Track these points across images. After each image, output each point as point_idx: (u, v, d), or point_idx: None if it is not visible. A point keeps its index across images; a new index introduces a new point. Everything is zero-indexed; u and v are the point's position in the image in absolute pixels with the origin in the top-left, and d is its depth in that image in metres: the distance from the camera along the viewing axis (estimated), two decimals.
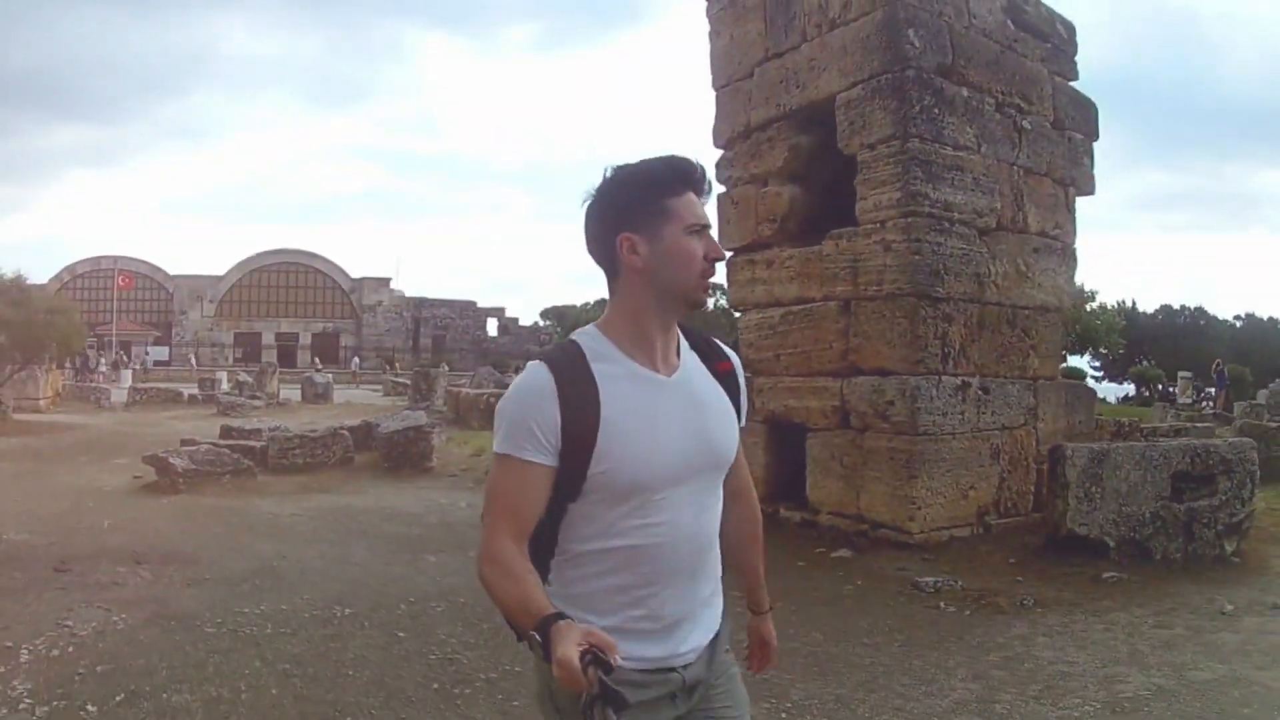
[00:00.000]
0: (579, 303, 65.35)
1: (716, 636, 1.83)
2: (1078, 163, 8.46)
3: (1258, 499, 7.20)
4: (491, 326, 65.97)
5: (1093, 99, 8.81)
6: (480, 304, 66.70)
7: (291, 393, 28.38)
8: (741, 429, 1.87)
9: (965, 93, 7.33)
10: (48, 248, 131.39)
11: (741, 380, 1.90)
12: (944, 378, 6.83)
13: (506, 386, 14.99)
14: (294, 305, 63.88)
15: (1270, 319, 70.69)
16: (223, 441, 11.95)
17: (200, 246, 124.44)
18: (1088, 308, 41.60)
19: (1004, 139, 7.61)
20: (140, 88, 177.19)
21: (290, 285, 64.19)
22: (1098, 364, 60.67)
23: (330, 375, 33.60)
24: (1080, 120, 8.57)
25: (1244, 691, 4.04)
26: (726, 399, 1.83)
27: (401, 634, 4.89)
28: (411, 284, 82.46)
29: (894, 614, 5.35)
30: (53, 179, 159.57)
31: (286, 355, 57.92)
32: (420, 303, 64.61)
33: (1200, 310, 73.36)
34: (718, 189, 8.93)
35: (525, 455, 1.66)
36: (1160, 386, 49.51)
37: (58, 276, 61.67)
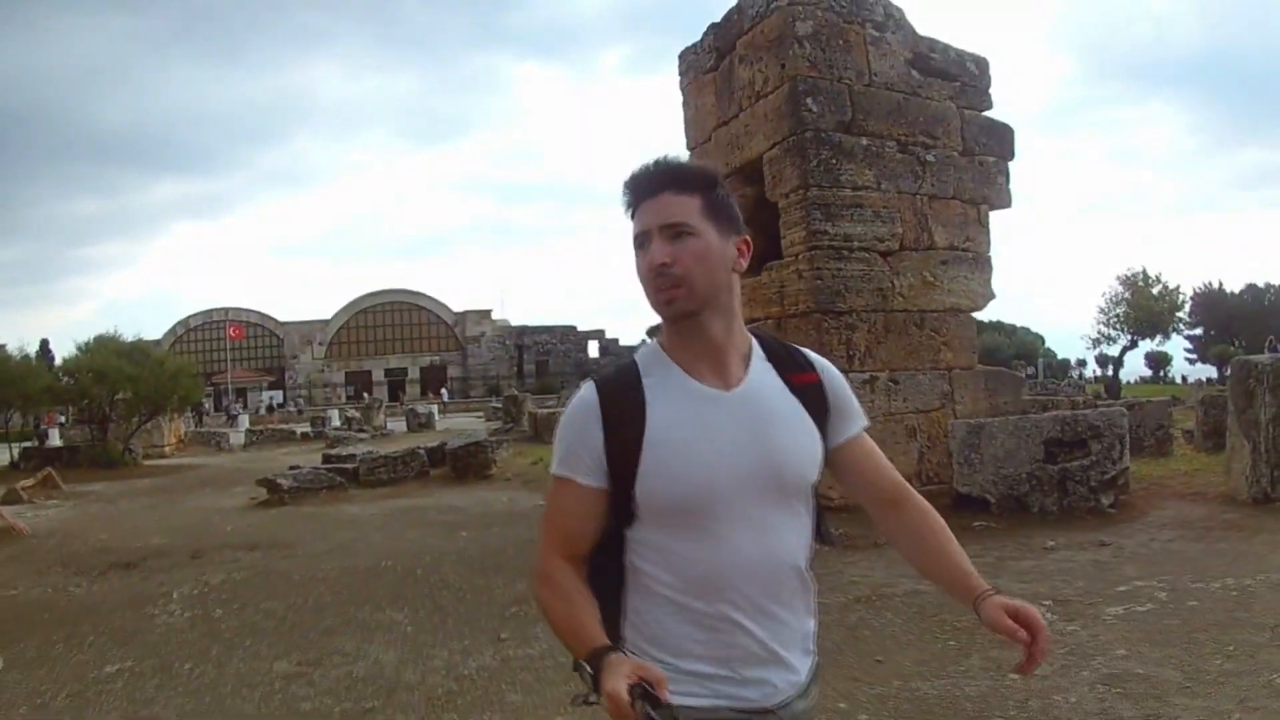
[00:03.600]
0: None
1: (809, 681, 1.73)
2: (990, 183, 10.03)
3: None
4: (593, 349, 68.94)
5: (1008, 123, 10.31)
6: (581, 328, 69.80)
7: (397, 424, 30.98)
8: (854, 436, 1.80)
9: (865, 141, 9.03)
10: (161, 300, 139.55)
11: (834, 391, 1.78)
12: (851, 374, 8.50)
13: None
14: (401, 342, 67.71)
15: None
16: (322, 466, 14.30)
17: (310, 288, 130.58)
18: (1153, 292, 41.78)
19: (906, 174, 9.27)
20: (239, 137, 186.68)
21: (396, 324, 68.07)
22: (1190, 346, 59.63)
23: (435, 405, 36.14)
24: (993, 145, 10.13)
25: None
26: (803, 413, 1.71)
27: (419, 572, 7.34)
28: (518, 312, 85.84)
29: None
30: (160, 233, 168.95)
31: (396, 390, 61.21)
32: (522, 331, 68.08)
33: None
34: None
35: (572, 476, 1.67)
36: None
37: (172, 330, 66.36)
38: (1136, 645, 4.72)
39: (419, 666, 4.99)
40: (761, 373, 1.72)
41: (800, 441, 1.69)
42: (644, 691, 1.37)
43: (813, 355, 1.84)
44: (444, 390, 59.04)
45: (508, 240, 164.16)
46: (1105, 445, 8.26)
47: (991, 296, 9.96)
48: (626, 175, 1.70)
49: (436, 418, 31.95)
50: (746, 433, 1.64)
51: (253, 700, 4.61)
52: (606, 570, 1.71)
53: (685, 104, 11.05)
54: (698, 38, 10.76)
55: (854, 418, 1.82)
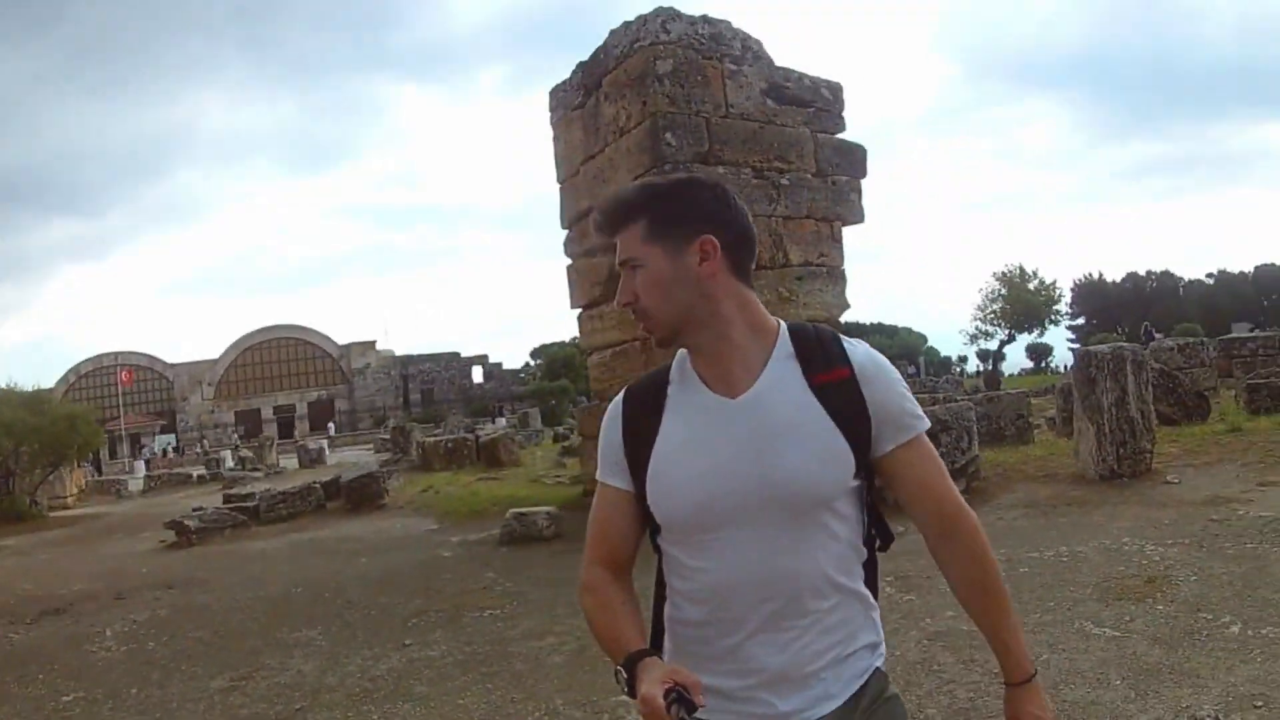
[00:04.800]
0: (566, 338, 68.30)
1: (862, 689, 1.64)
2: (843, 200, 10.83)
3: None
4: (477, 374, 69.45)
5: (861, 144, 11.10)
6: (464, 354, 70.32)
7: (290, 461, 30.92)
8: (895, 449, 1.62)
9: (721, 170, 9.70)
10: (52, 346, 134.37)
11: (871, 389, 1.60)
12: None
13: (473, 433, 18.06)
14: (288, 378, 67.18)
15: (1240, 273, 71.92)
16: (224, 506, 14.54)
17: (198, 327, 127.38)
18: (1029, 286, 43.90)
19: (761, 198, 9.98)
20: (124, 173, 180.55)
21: (282, 359, 67.58)
22: (1073, 336, 62.43)
23: (324, 441, 35.99)
24: (845, 165, 10.92)
25: None
26: (824, 417, 1.57)
27: (327, 595, 7.81)
28: (402, 341, 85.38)
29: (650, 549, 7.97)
30: (50, 276, 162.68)
31: (286, 427, 60.54)
32: (406, 360, 68.50)
33: (1167, 273, 74.93)
34: (566, 261, 11.40)
35: (603, 477, 1.70)
36: None
37: (64, 378, 64.23)
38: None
39: (337, 672, 5.59)
40: (778, 375, 1.61)
41: (812, 450, 1.56)
42: (679, 695, 1.37)
43: (856, 346, 1.67)
44: (330, 425, 58.59)
45: (390, 267, 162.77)
46: (954, 437, 9.06)
47: (847, 306, 10.74)
48: (596, 208, 1.70)
49: (327, 452, 31.89)
50: (747, 445, 1.57)
51: (197, 712, 5.18)
52: (658, 582, 1.74)
53: (555, 139, 11.64)
54: (567, 75, 11.38)
55: (897, 426, 1.63)
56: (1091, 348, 9.84)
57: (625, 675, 1.50)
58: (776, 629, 1.59)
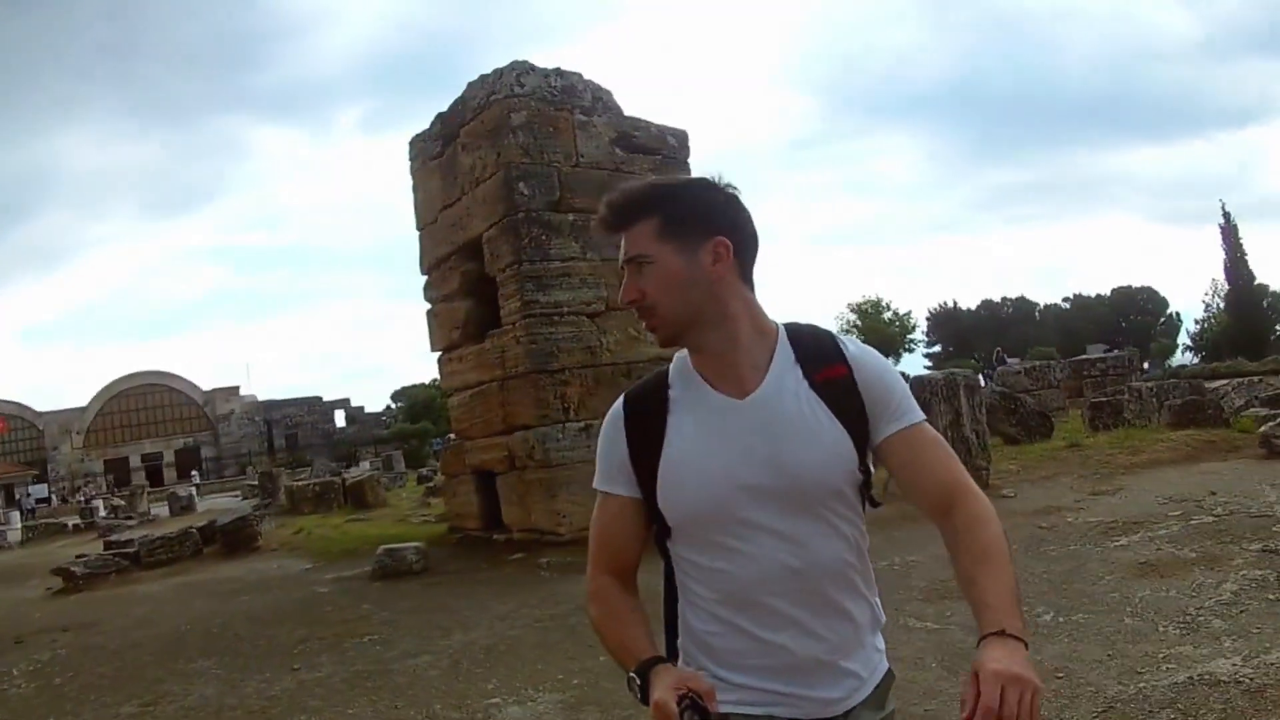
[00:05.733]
0: (426, 380, 68.37)
1: (879, 688, 1.68)
2: None
3: None
4: (339, 418, 69.29)
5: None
6: (326, 397, 70.34)
7: (161, 509, 30.45)
8: (894, 434, 1.65)
9: (572, 218, 10.22)
10: None
11: (867, 384, 1.65)
12: (567, 425, 9.69)
13: (340, 476, 18.30)
14: (155, 425, 66.25)
15: (1097, 295, 73.90)
16: (107, 552, 14.55)
17: (66, 374, 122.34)
18: (884, 318, 45.92)
19: (610, 243, 10.45)
20: None
21: (148, 406, 66.62)
22: (930, 363, 64.77)
23: (193, 488, 35.37)
24: None
25: None
26: (824, 414, 1.62)
27: (215, 630, 8.07)
28: (266, 384, 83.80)
29: (514, 579, 8.61)
30: None
31: (154, 475, 59.05)
32: (270, 405, 68.37)
33: (1022, 299, 77.96)
34: (425, 306, 11.81)
35: (606, 487, 1.71)
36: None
37: None
38: None
39: (236, 694, 5.98)
40: (782, 374, 1.65)
41: (818, 447, 1.60)
42: (692, 702, 1.37)
43: (849, 343, 1.73)
44: (193, 473, 57.49)
45: (251, 310, 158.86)
46: None
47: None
48: (603, 202, 1.69)
49: (197, 499, 31.41)
50: (759, 443, 1.59)
51: None
52: (667, 584, 1.75)
53: (415, 187, 12.08)
54: (427, 125, 11.82)
55: (895, 413, 1.68)
56: (924, 374, 10.63)
57: (639, 683, 1.50)
58: (799, 623, 1.61)
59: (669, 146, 11.46)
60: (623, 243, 1.66)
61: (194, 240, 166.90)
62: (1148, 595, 5.54)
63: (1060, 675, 4.32)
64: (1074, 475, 10.26)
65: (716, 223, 1.62)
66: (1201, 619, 4.99)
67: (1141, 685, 4.15)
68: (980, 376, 36.56)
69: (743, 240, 1.65)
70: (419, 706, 5.23)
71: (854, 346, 1.71)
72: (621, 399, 1.75)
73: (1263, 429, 10.51)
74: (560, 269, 10.06)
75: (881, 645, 1.74)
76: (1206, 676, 4.15)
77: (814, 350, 1.67)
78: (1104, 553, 6.74)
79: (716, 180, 1.68)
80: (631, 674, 1.52)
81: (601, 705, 4.90)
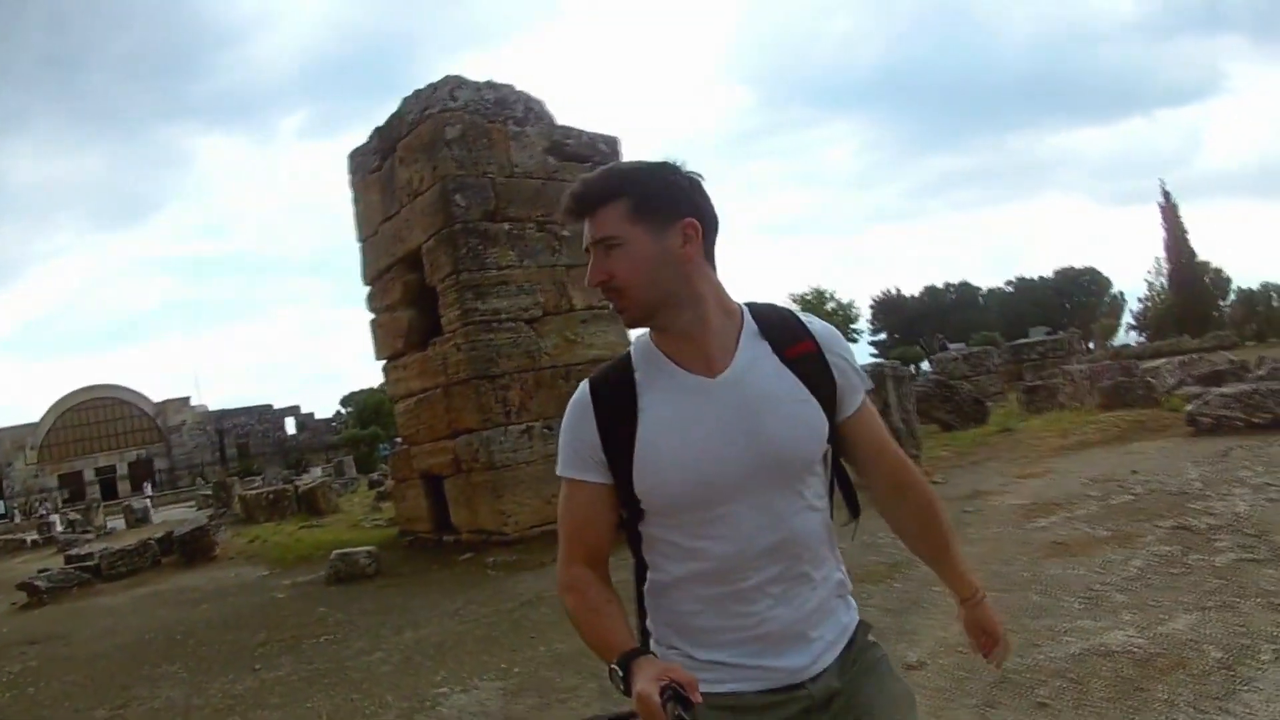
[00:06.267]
0: (375, 385, 68.22)
1: (850, 643, 1.74)
2: None
3: None
4: (290, 425, 69.64)
5: None
6: (276, 405, 70.47)
7: (117, 522, 30.44)
8: (856, 410, 1.76)
9: (508, 227, 10.58)
10: None
11: (835, 360, 1.72)
12: (509, 427, 10.07)
13: (293, 483, 18.51)
14: (108, 439, 65.94)
15: (1040, 278, 73.23)
16: (68, 565, 14.77)
17: (19, 387, 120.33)
18: (827, 308, 46.51)
19: (545, 250, 10.91)
20: None
21: (100, 420, 66.31)
22: (875, 351, 65.62)
23: (148, 500, 35.32)
24: None
25: None
26: (800, 388, 1.66)
27: (178, 637, 8.39)
28: (218, 394, 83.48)
29: (463, 578, 8.95)
30: None
31: (108, 488, 58.64)
32: (221, 415, 68.57)
33: (965, 284, 78.59)
34: (369, 316, 12.12)
35: (575, 474, 1.69)
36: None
37: None
38: None
39: (202, 695, 6.35)
40: (752, 351, 1.68)
41: (796, 419, 1.65)
42: (675, 693, 1.37)
43: (813, 321, 1.78)
44: (145, 484, 57.12)
45: (199, 319, 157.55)
46: None
47: (630, 344, 11.72)
48: (568, 191, 1.69)
49: (152, 511, 31.42)
50: (736, 420, 1.62)
51: None
52: (636, 566, 1.76)
53: (355, 200, 12.37)
54: (365, 139, 12.12)
55: (855, 390, 1.76)
56: (881, 362, 10.89)
57: (621, 674, 1.50)
58: (779, 594, 1.65)
59: (600, 153, 11.76)
60: (586, 227, 1.68)
61: (142, 250, 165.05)
62: (1057, 573, 5.72)
63: (962, 650, 4.39)
64: (1003, 460, 10.56)
65: (684, 205, 1.65)
66: (1105, 594, 5.16)
67: (1039, 657, 4.35)
68: (926, 363, 37.29)
69: (708, 222, 1.68)
70: (372, 698, 5.64)
71: (816, 323, 1.77)
72: (586, 384, 1.75)
73: (1189, 407, 10.44)
74: (498, 277, 10.41)
75: (853, 604, 1.82)
76: (1100, 648, 4.34)
77: (779, 328, 1.72)
78: (1023, 534, 6.92)
79: (680, 165, 1.70)
80: (613, 666, 1.53)
81: (540, 691, 5.31)
